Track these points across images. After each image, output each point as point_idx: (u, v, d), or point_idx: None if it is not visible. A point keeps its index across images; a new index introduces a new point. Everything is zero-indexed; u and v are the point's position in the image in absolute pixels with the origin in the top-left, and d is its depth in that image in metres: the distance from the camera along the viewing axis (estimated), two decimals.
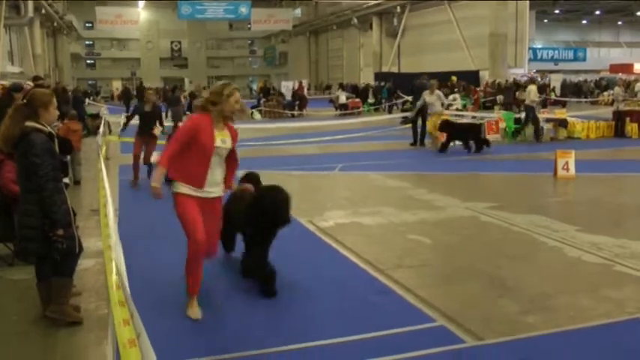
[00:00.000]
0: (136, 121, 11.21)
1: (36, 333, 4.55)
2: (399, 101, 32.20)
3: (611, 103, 21.96)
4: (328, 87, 57.72)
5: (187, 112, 20.92)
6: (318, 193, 10.16)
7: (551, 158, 11.60)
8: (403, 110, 29.02)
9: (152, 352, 2.37)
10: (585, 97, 37.66)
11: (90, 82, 68.45)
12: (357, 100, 33.04)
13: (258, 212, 5.17)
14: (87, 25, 65.73)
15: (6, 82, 16.36)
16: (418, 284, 5.41)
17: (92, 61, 73.11)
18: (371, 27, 52.12)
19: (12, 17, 35.34)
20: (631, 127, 17.83)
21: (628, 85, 26.45)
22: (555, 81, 38.81)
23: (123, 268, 3.25)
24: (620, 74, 41.73)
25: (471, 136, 14.94)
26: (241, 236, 5.83)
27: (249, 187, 5.78)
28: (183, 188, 4.61)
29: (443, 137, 14.96)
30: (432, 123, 15.33)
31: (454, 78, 31.93)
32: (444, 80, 29.90)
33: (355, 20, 53.44)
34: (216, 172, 4.70)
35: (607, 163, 13.39)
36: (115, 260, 3.46)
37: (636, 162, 13.21)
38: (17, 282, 5.69)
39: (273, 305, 4.96)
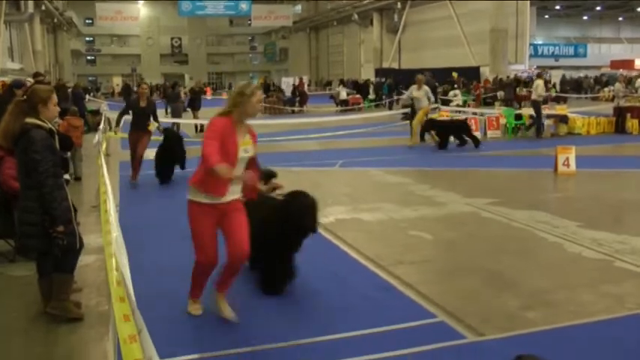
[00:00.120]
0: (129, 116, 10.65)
1: (37, 329, 4.55)
2: (402, 97, 32.11)
3: (612, 99, 21.92)
4: (329, 83, 57.79)
5: (187, 109, 20.90)
6: (319, 190, 10.02)
7: (551, 154, 11.58)
8: (404, 106, 28.96)
9: (153, 348, 2.37)
10: (585, 94, 37.61)
11: (90, 78, 68.44)
12: (358, 96, 33.01)
13: (283, 219, 4.87)
14: (87, 21, 65.78)
15: (7, 79, 16.35)
16: (419, 280, 5.41)
17: (92, 58, 73.10)
18: (371, 23, 52.08)
19: (12, 13, 35.39)
20: (632, 123, 17.77)
21: (629, 81, 26.40)
22: (555, 77, 38.75)
23: (124, 264, 3.26)
24: (620, 70, 41.62)
25: (459, 132, 14.95)
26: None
27: (279, 183, 4.87)
28: (201, 197, 4.32)
29: (435, 137, 15.02)
30: (417, 118, 15.35)
31: (455, 74, 31.90)
32: (442, 77, 29.97)
33: (356, 16, 53.43)
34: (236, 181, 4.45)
35: (608, 159, 13.37)
36: (115, 256, 3.46)
37: (637, 158, 13.19)
38: (18, 278, 5.71)
39: (273, 301, 4.96)
